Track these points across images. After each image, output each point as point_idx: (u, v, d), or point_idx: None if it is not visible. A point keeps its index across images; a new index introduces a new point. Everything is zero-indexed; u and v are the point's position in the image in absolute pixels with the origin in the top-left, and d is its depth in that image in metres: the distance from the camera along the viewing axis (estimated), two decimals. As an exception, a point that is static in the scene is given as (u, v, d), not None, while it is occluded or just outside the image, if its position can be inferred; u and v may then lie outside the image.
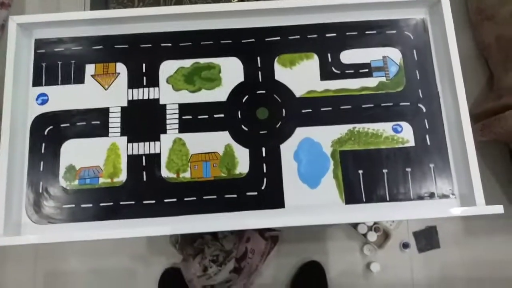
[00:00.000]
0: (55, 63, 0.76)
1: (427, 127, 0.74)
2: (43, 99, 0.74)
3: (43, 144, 0.72)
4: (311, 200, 0.71)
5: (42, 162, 0.72)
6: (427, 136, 0.73)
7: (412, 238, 1.36)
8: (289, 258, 1.34)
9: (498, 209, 0.66)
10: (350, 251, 1.36)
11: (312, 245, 1.34)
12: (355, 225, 1.33)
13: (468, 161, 0.69)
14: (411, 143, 0.73)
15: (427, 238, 1.35)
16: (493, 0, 1.25)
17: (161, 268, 1.33)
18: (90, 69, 0.76)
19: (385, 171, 0.72)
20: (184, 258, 1.24)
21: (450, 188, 0.71)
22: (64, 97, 0.74)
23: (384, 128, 0.74)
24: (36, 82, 0.75)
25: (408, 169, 0.72)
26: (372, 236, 1.31)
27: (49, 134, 0.73)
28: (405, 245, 1.34)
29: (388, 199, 0.71)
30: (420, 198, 0.71)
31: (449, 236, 1.36)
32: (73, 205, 0.70)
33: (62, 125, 0.73)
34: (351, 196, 0.71)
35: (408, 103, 0.75)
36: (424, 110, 0.74)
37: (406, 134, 0.73)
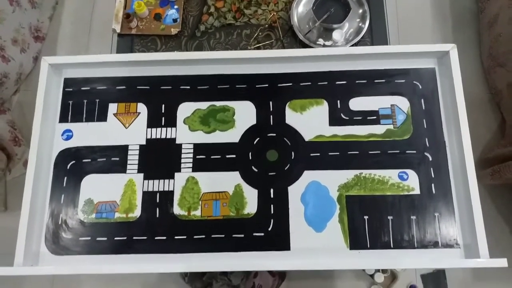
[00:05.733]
0: (81, 102, 0.81)
1: (433, 175, 0.75)
2: (68, 135, 0.79)
3: (65, 178, 0.77)
4: (316, 244, 0.72)
5: (63, 195, 0.76)
6: (433, 185, 0.75)
7: (420, 280, 1.34)
8: (296, 294, 1.34)
9: (502, 262, 0.67)
10: (357, 291, 1.34)
11: (320, 283, 1.33)
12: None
13: (473, 212, 0.70)
14: (417, 191, 0.75)
15: (435, 281, 1.32)
16: (505, 48, 1.26)
17: (171, 298, 1.35)
18: (112, 108, 0.81)
19: (390, 218, 0.73)
20: (193, 290, 1.25)
21: (455, 238, 0.72)
22: (87, 134, 0.79)
23: (390, 175, 0.76)
24: (63, 119, 0.80)
25: (413, 217, 0.73)
26: (380, 278, 1.30)
27: (72, 168, 0.77)
28: (413, 288, 1.33)
29: (392, 246, 0.72)
30: (424, 246, 0.72)
31: (458, 281, 1.34)
32: (89, 238, 0.74)
33: (84, 160, 0.78)
34: (356, 241, 0.72)
35: (415, 151, 0.77)
36: (430, 158, 0.76)
37: (411, 182, 0.75)
